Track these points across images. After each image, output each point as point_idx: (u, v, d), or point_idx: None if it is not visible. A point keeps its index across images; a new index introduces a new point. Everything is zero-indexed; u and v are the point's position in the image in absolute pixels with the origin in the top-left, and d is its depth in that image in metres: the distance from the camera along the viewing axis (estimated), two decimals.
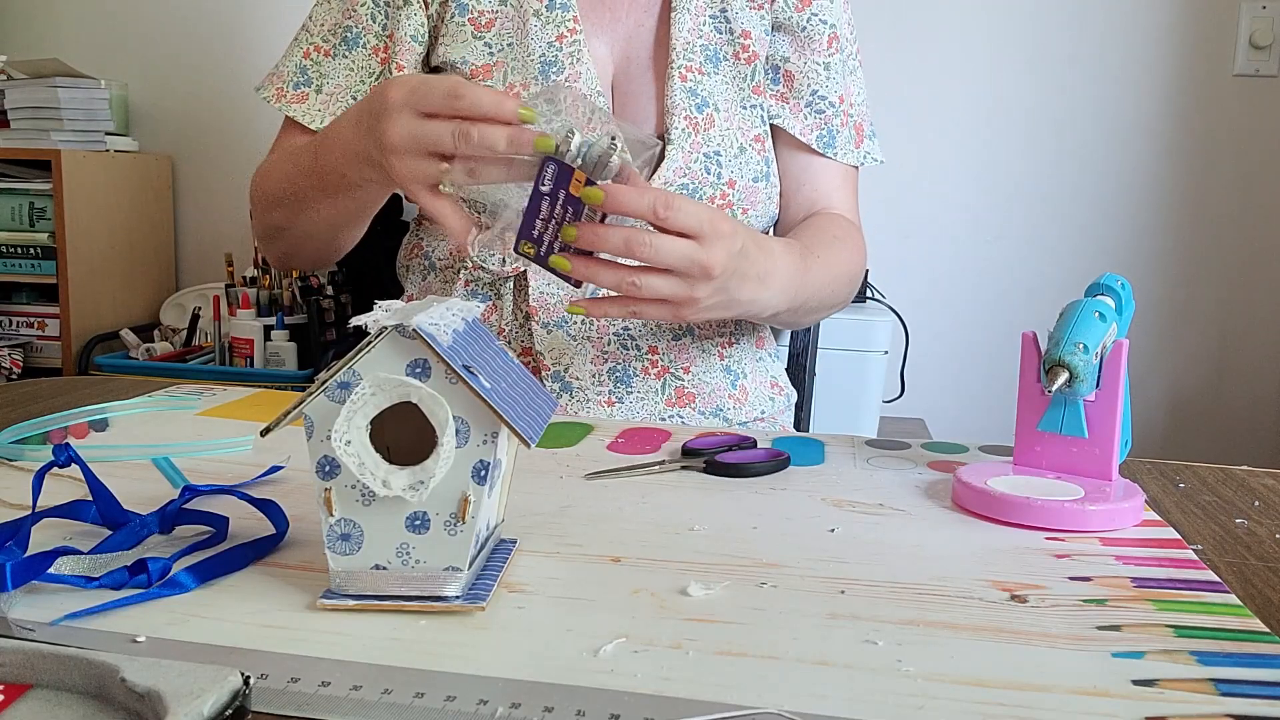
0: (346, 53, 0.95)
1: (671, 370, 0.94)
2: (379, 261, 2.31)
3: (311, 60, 0.96)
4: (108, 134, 2.34)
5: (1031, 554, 0.53)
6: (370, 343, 0.43)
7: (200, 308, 2.35)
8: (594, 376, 0.92)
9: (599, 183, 0.66)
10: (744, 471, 0.66)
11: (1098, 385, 0.62)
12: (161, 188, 2.48)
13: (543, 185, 0.67)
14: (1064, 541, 0.55)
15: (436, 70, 0.95)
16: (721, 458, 0.67)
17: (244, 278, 2.30)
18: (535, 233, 0.69)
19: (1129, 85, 2.15)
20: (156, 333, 2.40)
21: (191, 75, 2.49)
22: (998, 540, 0.55)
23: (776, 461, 0.67)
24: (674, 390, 0.94)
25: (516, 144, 0.66)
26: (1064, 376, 0.60)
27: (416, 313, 0.44)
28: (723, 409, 0.96)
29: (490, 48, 0.92)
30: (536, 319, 0.91)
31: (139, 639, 0.41)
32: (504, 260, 0.93)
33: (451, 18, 0.93)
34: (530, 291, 0.91)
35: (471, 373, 0.43)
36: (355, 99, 0.94)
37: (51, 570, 0.44)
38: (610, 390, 0.92)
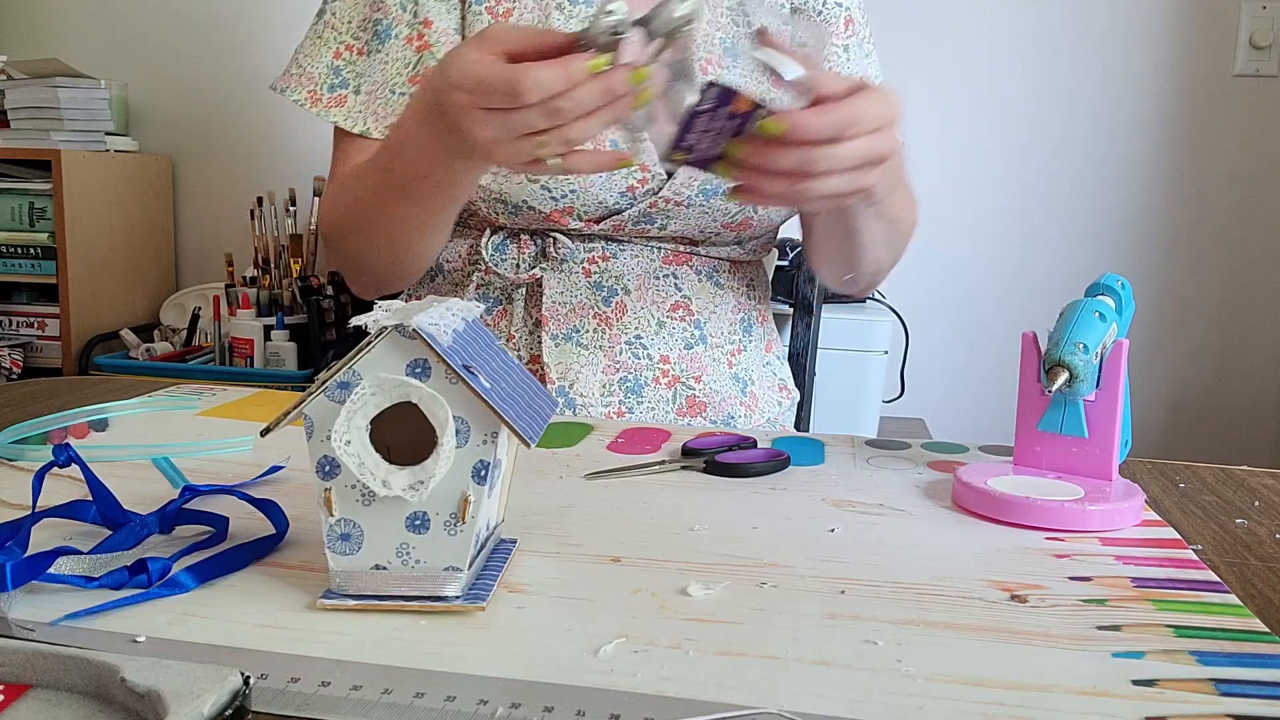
0: (379, 47, 0.91)
1: (683, 379, 0.93)
2: None
3: (344, 60, 0.91)
4: (108, 134, 2.34)
5: (1031, 554, 0.53)
6: (370, 343, 0.43)
7: (200, 308, 2.35)
8: (604, 387, 0.91)
9: (774, 113, 0.61)
10: (744, 471, 0.66)
11: (1098, 385, 0.62)
12: (161, 188, 2.48)
13: (702, 106, 0.61)
14: (1064, 541, 0.55)
15: None
16: (721, 458, 0.67)
17: (244, 278, 2.30)
18: (688, 143, 0.64)
19: (1129, 85, 2.15)
20: (156, 333, 2.40)
21: (191, 75, 2.49)
22: (998, 540, 0.55)
23: (776, 461, 0.67)
24: (685, 399, 0.93)
25: (609, 93, 0.61)
26: (1064, 376, 0.60)
27: (416, 313, 0.44)
28: (734, 417, 0.95)
29: None
30: (547, 329, 0.90)
31: (139, 639, 0.41)
32: (518, 267, 0.92)
33: (469, 6, 0.90)
34: (544, 300, 0.90)
35: (471, 372, 0.43)
36: (394, 93, 0.90)
37: (51, 570, 0.44)
38: (620, 400, 0.91)
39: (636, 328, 0.92)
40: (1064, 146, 2.19)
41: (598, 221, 0.90)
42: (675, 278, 0.94)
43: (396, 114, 0.88)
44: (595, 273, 0.92)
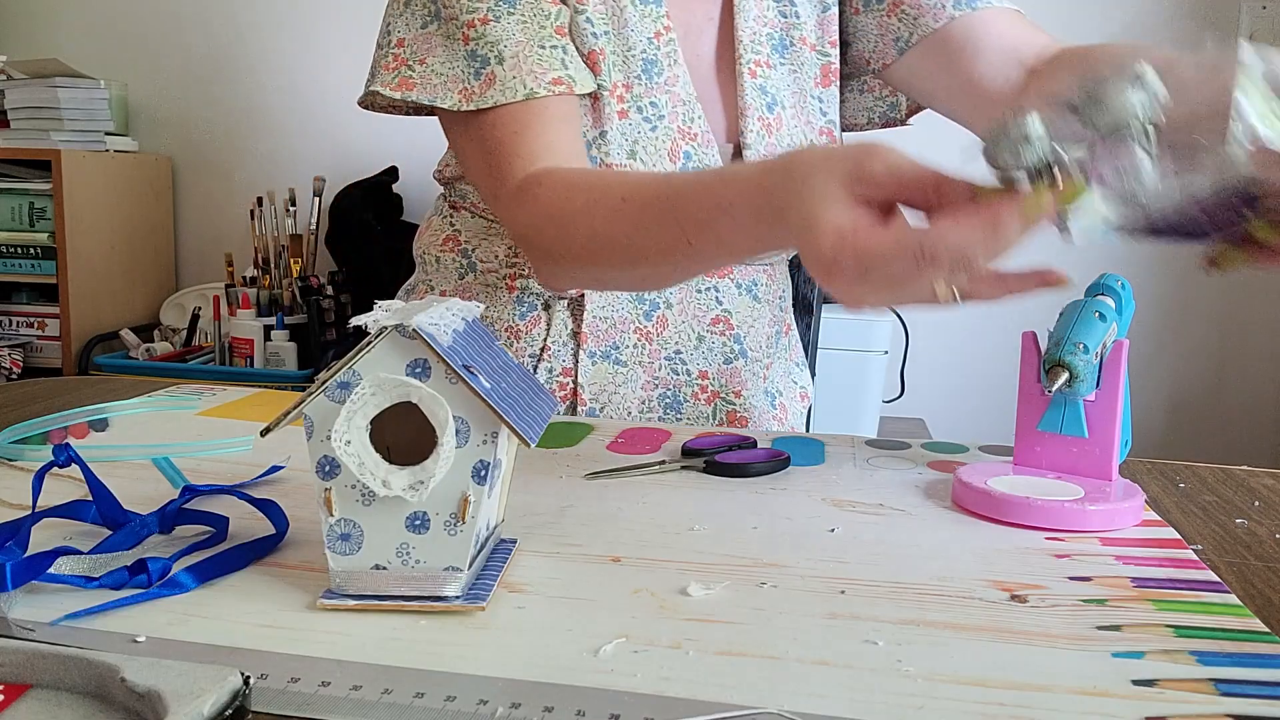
0: (510, 9, 0.79)
1: (722, 395, 0.92)
2: (379, 261, 2.31)
3: (474, 38, 0.79)
4: (108, 134, 2.34)
5: (1031, 554, 0.53)
6: (370, 343, 0.43)
7: (200, 308, 2.36)
8: (643, 403, 0.90)
9: None
10: (744, 471, 0.66)
11: (1098, 385, 0.62)
12: (161, 188, 2.49)
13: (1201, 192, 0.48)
14: (1064, 541, 0.55)
15: None
16: (721, 458, 0.67)
17: (244, 278, 2.30)
18: (1162, 223, 0.52)
19: None
20: (156, 333, 2.40)
21: (191, 75, 2.49)
22: (998, 540, 0.55)
23: (776, 461, 0.67)
24: (725, 414, 0.92)
25: (1033, 229, 0.50)
26: (1064, 376, 0.60)
27: (416, 313, 0.44)
28: (768, 432, 0.94)
29: (593, 26, 0.82)
30: (585, 346, 0.88)
31: (139, 639, 0.41)
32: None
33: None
34: (585, 315, 0.87)
35: (471, 373, 0.43)
36: (543, 47, 0.79)
37: (51, 570, 0.44)
38: (660, 416, 0.90)
39: (677, 343, 0.90)
40: None
41: None
42: (716, 291, 0.92)
43: (554, 68, 0.79)
44: None
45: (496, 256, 0.91)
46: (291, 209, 2.30)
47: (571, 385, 0.89)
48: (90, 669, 0.35)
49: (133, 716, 0.34)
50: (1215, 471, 0.72)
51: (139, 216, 2.40)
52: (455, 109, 0.79)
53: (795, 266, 1.30)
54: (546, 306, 0.90)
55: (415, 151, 2.41)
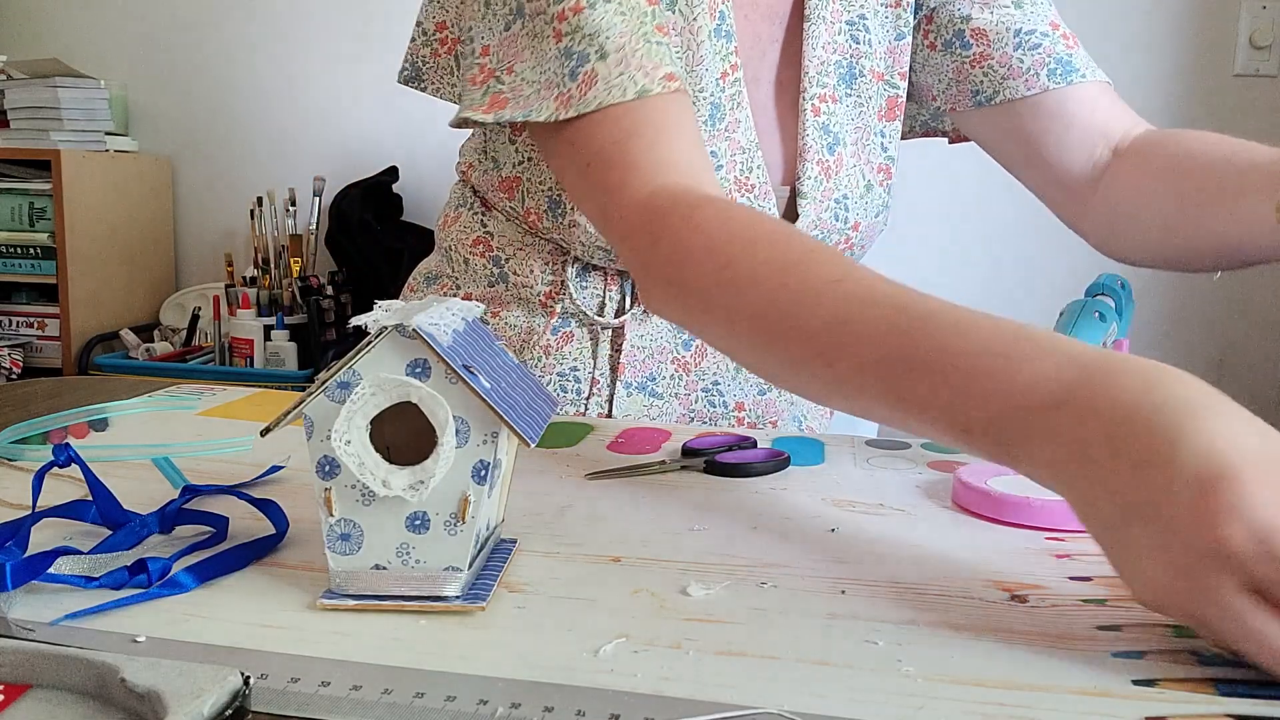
0: None
1: (759, 426, 0.89)
2: (379, 261, 2.32)
3: (566, 33, 0.68)
4: (108, 134, 2.34)
5: (1031, 554, 0.53)
6: (370, 343, 0.43)
7: (200, 308, 2.36)
8: None
9: None
10: (744, 471, 0.66)
11: None
12: (161, 188, 2.49)
13: None
14: (1064, 541, 0.55)
15: None
16: (721, 458, 0.67)
17: (244, 278, 2.31)
18: None
19: (1129, 85, 2.15)
20: (156, 333, 2.40)
21: (191, 75, 2.49)
22: (998, 540, 0.55)
23: (776, 461, 0.67)
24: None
25: None
26: None
27: (416, 313, 0.44)
28: (768, 433, 0.93)
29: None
30: (621, 378, 0.84)
31: (139, 639, 0.41)
32: (601, 307, 0.83)
33: None
34: (624, 345, 0.83)
35: (471, 373, 0.43)
36: (649, 41, 0.67)
37: (51, 570, 0.44)
38: (678, 426, 0.89)
39: (715, 373, 0.87)
40: None
41: None
42: None
43: (665, 63, 0.67)
44: None
45: (532, 272, 0.85)
46: (291, 209, 2.30)
47: (595, 409, 0.87)
48: (90, 669, 0.35)
49: (133, 716, 0.34)
50: None
51: (139, 216, 2.40)
52: (552, 119, 0.67)
53: None
54: (593, 337, 0.85)
55: (415, 151, 2.41)
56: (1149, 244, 0.83)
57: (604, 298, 0.84)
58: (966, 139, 0.95)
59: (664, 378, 0.86)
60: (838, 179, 0.83)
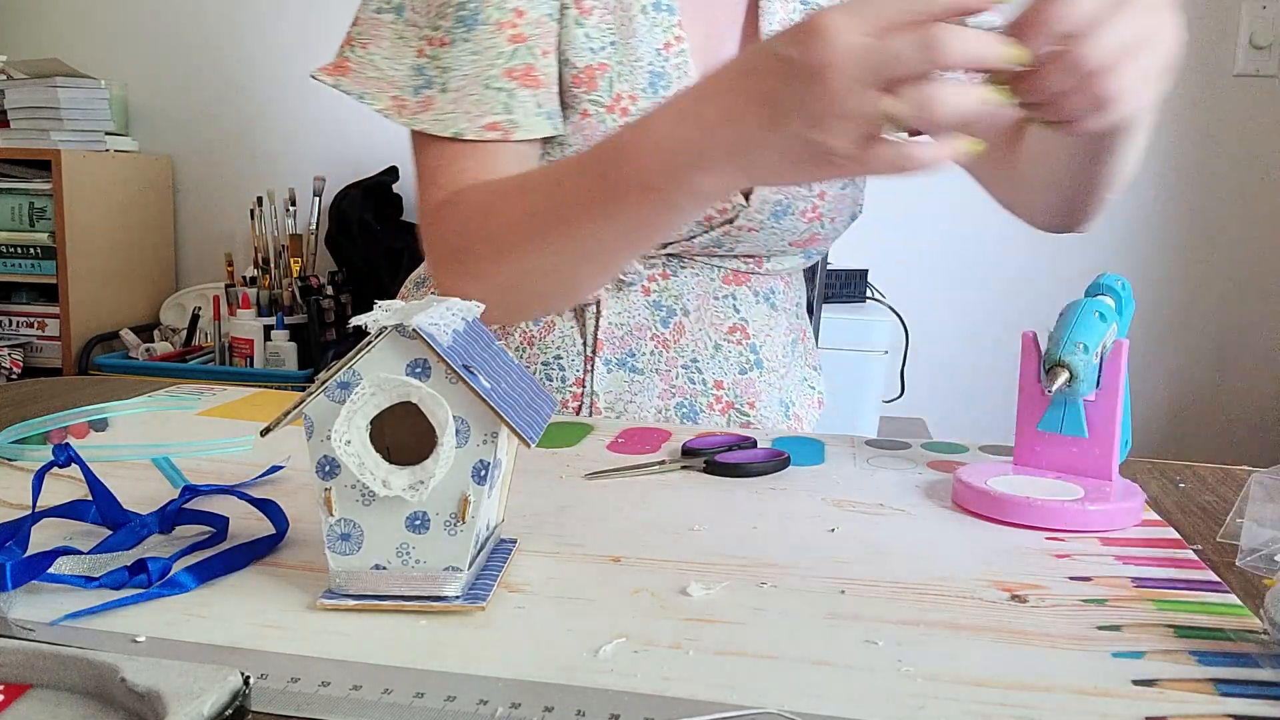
0: (466, 35, 0.77)
1: (737, 405, 0.91)
2: (379, 261, 2.32)
3: (427, 57, 0.78)
4: (108, 134, 2.34)
5: (1031, 554, 0.53)
6: (370, 343, 0.43)
7: (200, 308, 2.36)
8: (659, 412, 0.89)
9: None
10: (744, 471, 0.66)
11: (1098, 385, 0.62)
12: (161, 188, 2.49)
13: None
14: (1064, 541, 0.55)
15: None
16: (721, 458, 0.67)
17: (244, 278, 2.31)
18: None
19: None
20: (156, 333, 2.40)
21: (191, 75, 2.49)
22: (998, 540, 0.55)
23: (776, 461, 0.67)
24: (739, 426, 0.91)
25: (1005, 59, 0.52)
26: (1064, 376, 0.60)
27: (416, 313, 0.44)
28: (769, 432, 0.94)
29: (591, 41, 0.80)
30: (601, 354, 0.87)
31: (139, 639, 0.41)
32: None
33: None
34: (601, 323, 0.87)
35: (471, 372, 0.43)
36: (489, 87, 0.77)
37: (51, 570, 0.44)
38: (676, 425, 0.89)
39: (694, 351, 0.90)
40: None
41: (666, 245, 0.87)
42: (734, 299, 0.92)
43: (493, 111, 0.77)
44: (655, 291, 0.89)
45: None
46: (291, 209, 2.30)
47: (579, 391, 0.89)
48: (90, 669, 0.35)
49: (133, 716, 0.34)
50: (1215, 471, 0.72)
51: (139, 216, 2.40)
52: (384, 114, 0.78)
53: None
54: (560, 315, 0.89)
55: None
56: (1042, 201, 0.88)
57: None
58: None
59: (644, 353, 0.88)
60: None
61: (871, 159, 0.53)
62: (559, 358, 0.89)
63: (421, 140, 0.79)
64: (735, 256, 0.91)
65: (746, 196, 0.85)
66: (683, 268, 0.90)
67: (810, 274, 1.29)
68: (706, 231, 0.87)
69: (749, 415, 0.92)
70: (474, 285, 0.75)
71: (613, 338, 0.88)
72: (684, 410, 0.90)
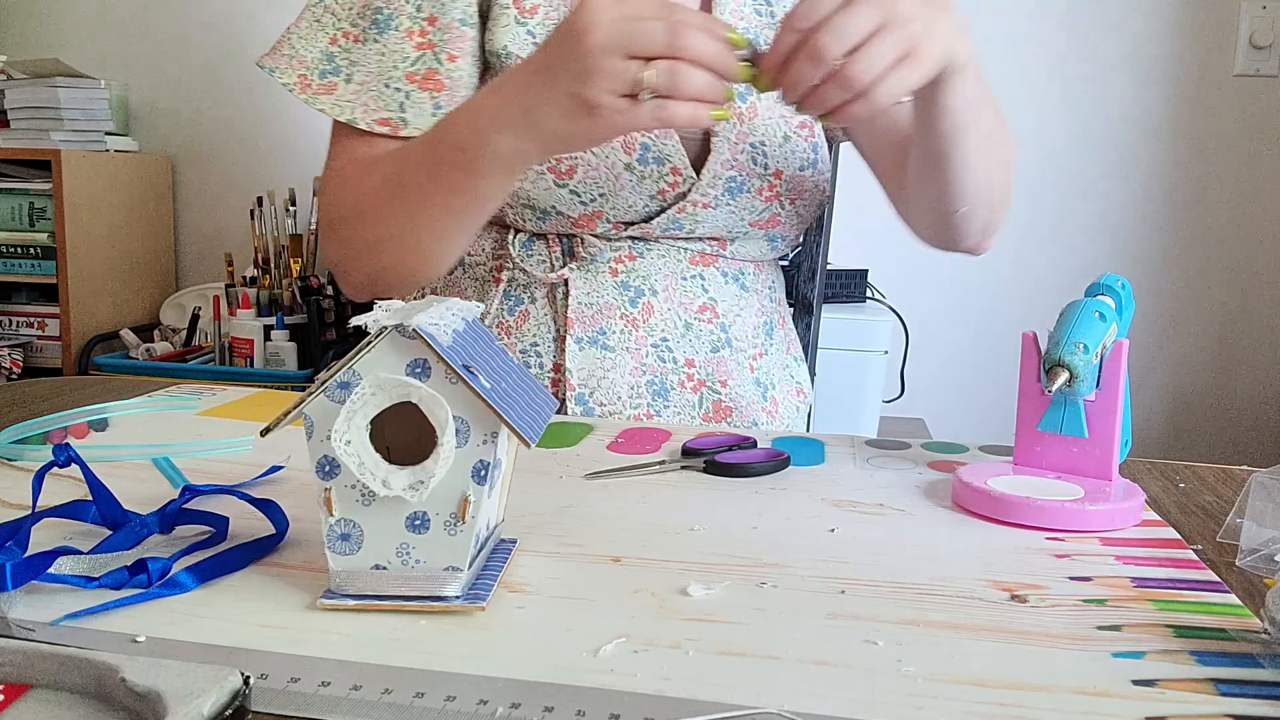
0: (378, 37, 0.86)
1: (709, 384, 0.92)
2: None
3: (340, 47, 0.87)
4: (108, 134, 2.34)
5: (1031, 554, 0.53)
6: (370, 343, 0.43)
7: (200, 308, 2.35)
8: (631, 389, 0.90)
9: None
10: (744, 471, 0.66)
11: (1098, 385, 0.62)
12: (161, 188, 2.48)
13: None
14: (1064, 541, 0.55)
15: (488, 63, 0.89)
16: (721, 458, 0.67)
17: (244, 278, 2.30)
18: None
19: (1129, 85, 2.15)
20: (156, 333, 2.40)
21: (191, 75, 2.49)
22: (998, 540, 0.55)
23: (776, 461, 0.67)
24: (711, 404, 0.92)
25: (725, 65, 0.65)
26: (1064, 376, 0.60)
27: (416, 313, 0.44)
28: (757, 423, 0.94)
29: (534, 38, 0.86)
30: (571, 332, 0.89)
31: (139, 639, 0.41)
32: (549, 266, 0.90)
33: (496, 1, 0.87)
34: (570, 302, 0.89)
35: (471, 372, 0.43)
36: (387, 86, 0.86)
37: (51, 570, 0.44)
38: (649, 403, 0.90)
39: (663, 330, 0.91)
40: (1064, 146, 2.19)
41: (627, 226, 0.89)
42: (702, 279, 0.93)
43: (388, 109, 0.86)
44: (622, 272, 0.91)
45: (484, 250, 0.93)
46: (291, 209, 2.30)
47: (557, 377, 0.90)
48: (90, 669, 0.35)
49: (133, 716, 0.34)
50: (1215, 471, 0.72)
51: (139, 216, 2.40)
52: (288, 88, 0.87)
53: (795, 265, 1.30)
54: (533, 300, 0.92)
55: None
56: (914, 214, 0.95)
57: (549, 260, 0.91)
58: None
59: (613, 332, 0.90)
60: (752, 125, 0.90)
61: (632, 115, 0.65)
62: (535, 344, 0.91)
63: (333, 127, 0.89)
64: (699, 239, 0.92)
65: (698, 171, 0.88)
66: (648, 249, 0.91)
67: (810, 274, 1.29)
68: (662, 210, 0.88)
69: (720, 394, 0.93)
70: (341, 249, 0.87)
71: (583, 316, 0.90)
72: (655, 389, 0.91)
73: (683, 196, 0.88)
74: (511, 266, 0.91)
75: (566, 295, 0.90)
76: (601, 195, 0.87)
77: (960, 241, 0.92)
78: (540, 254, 0.91)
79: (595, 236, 0.90)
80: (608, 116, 0.66)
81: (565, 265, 0.91)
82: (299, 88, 0.87)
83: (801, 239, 1.04)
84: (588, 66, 0.65)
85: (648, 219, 0.89)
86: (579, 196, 0.87)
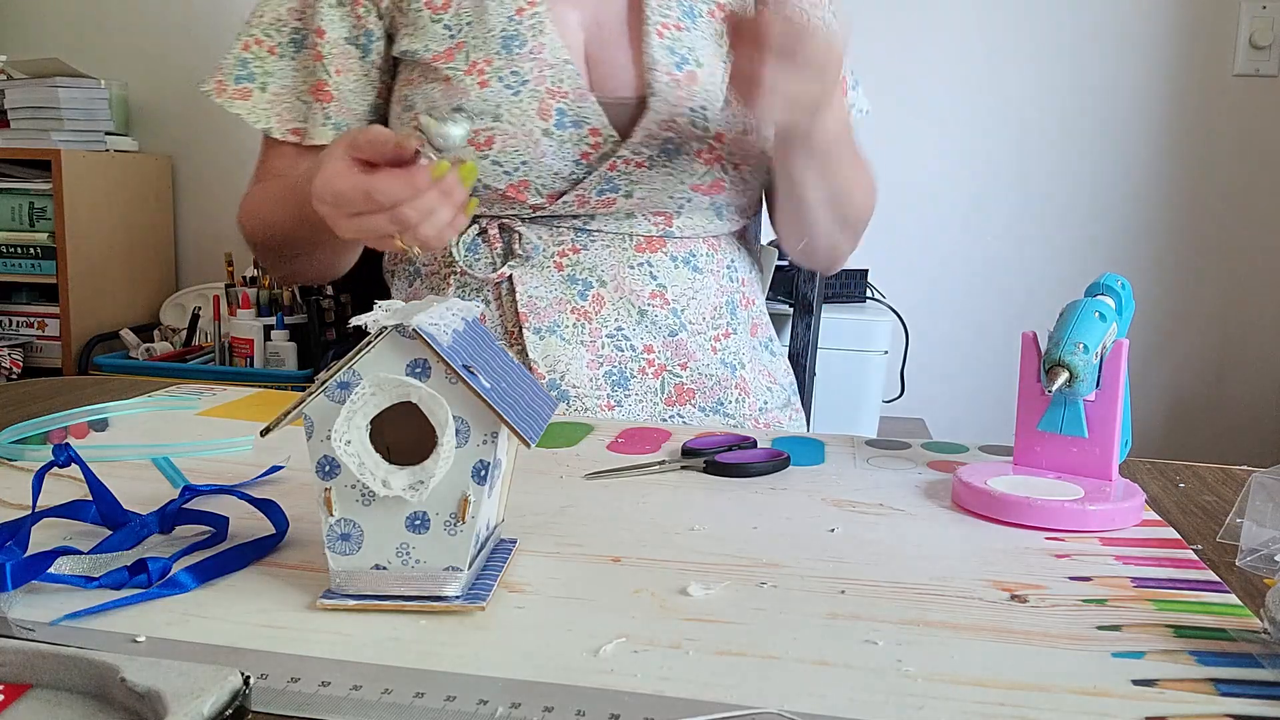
0: (293, 54, 0.94)
1: (669, 368, 0.93)
2: (378, 261, 2.31)
3: (253, 54, 0.94)
4: (108, 134, 2.34)
5: (1031, 554, 0.53)
6: (370, 343, 0.43)
7: (200, 308, 2.35)
8: (591, 380, 0.90)
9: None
10: (744, 471, 0.66)
11: (1098, 385, 0.62)
12: (161, 188, 2.48)
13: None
14: (1064, 541, 0.55)
15: (396, 61, 0.94)
16: (721, 458, 0.67)
17: (244, 278, 2.30)
18: None
19: (1129, 85, 2.15)
20: (156, 333, 2.40)
21: (191, 75, 2.48)
22: (998, 540, 0.55)
23: (776, 461, 0.67)
24: (673, 388, 0.93)
25: (447, 194, 0.70)
26: (1064, 376, 0.60)
27: (416, 313, 0.44)
28: (724, 403, 0.94)
29: (450, 30, 0.90)
30: (528, 324, 0.90)
31: (139, 639, 0.41)
32: (493, 266, 0.92)
33: (409, 5, 0.91)
34: (518, 296, 0.90)
35: (471, 373, 0.43)
36: (299, 100, 0.94)
37: (51, 570, 0.44)
38: (609, 394, 0.91)
39: (617, 320, 0.92)
40: (1064, 146, 2.19)
41: (559, 196, 0.90)
42: (650, 265, 0.93)
43: (297, 119, 0.94)
44: (568, 265, 0.91)
45: (435, 258, 0.95)
46: None
47: (528, 368, 0.91)
48: (90, 669, 0.35)
49: (133, 716, 0.34)
50: (1215, 471, 0.72)
51: (139, 216, 2.40)
52: (206, 93, 0.94)
53: (795, 266, 1.30)
54: (485, 301, 0.93)
55: None
56: (779, 234, 1.05)
57: (491, 259, 0.93)
58: None
59: (566, 326, 0.91)
60: (692, 90, 0.91)
61: (358, 226, 0.72)
62: (500, 340, 0.92)
63: (268, 142, 0.97)
64: (643, 216, 0.92)
65: (624, 137, 0.89)
66: (592, 241, 0.92)
67: (810, 274, 1.29)
68: (590, 170, 0.89)
69: (681, 376, 0.93)
70: (258, 255, 0.99)
71: (535, 308, 0.91)
72: (614, 378, 0.91)
73: (610, 155, 0.88)
74: (458, 271, 0.93)
75: (512, 292, 0.91)
76: (524, 163, 0.88)
77: (806, 263, 1.08)
78: (484, 255, 0.92)
79: (532, 228, 0.91)
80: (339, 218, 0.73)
81: (506, 263, 0.91)
82: (215, 91, 0.94)
83: (757, 212, 1.04)
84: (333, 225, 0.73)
85: (575, 183, 0.89)
86: (501, 166, 0.88)
